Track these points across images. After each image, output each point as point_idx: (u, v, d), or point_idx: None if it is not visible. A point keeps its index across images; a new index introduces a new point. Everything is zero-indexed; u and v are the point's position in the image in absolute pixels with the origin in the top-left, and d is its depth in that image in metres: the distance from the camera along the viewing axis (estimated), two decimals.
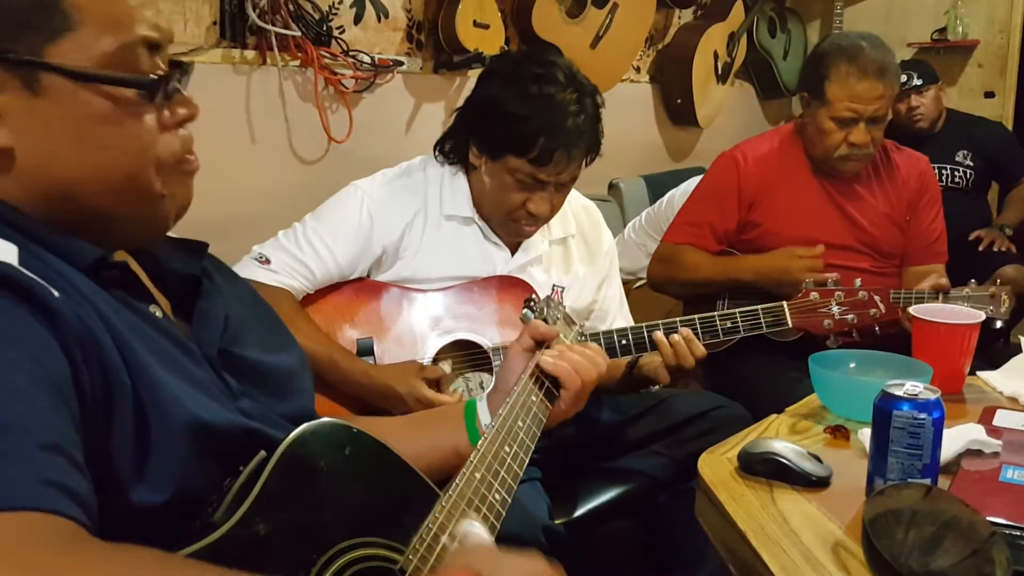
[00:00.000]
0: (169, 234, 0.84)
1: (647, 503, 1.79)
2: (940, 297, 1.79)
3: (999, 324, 1.76)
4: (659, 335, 1.61)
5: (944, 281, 1.87)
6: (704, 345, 1.64)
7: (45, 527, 0.53)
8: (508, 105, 1.54)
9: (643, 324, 1.66)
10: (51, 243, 0.70)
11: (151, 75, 0.73)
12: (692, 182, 2.71)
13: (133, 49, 0.72)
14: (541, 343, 1.09)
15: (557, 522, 1.57)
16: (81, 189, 0.72)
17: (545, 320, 1.13)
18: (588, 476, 1.76)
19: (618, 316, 1.87)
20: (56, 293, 0.64)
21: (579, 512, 1.67)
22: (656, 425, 1.79)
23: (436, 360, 1.63)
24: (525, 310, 1.15)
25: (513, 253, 1.73)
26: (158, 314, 0.77)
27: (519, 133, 1.53)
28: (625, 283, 2.00)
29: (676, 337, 1.59)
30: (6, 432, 0.56)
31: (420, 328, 1.65)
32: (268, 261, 1.59)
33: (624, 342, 1.64)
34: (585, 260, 1.83)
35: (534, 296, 1.18)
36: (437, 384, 1.56)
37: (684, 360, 1.58)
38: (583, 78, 1.60)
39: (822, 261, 1.95)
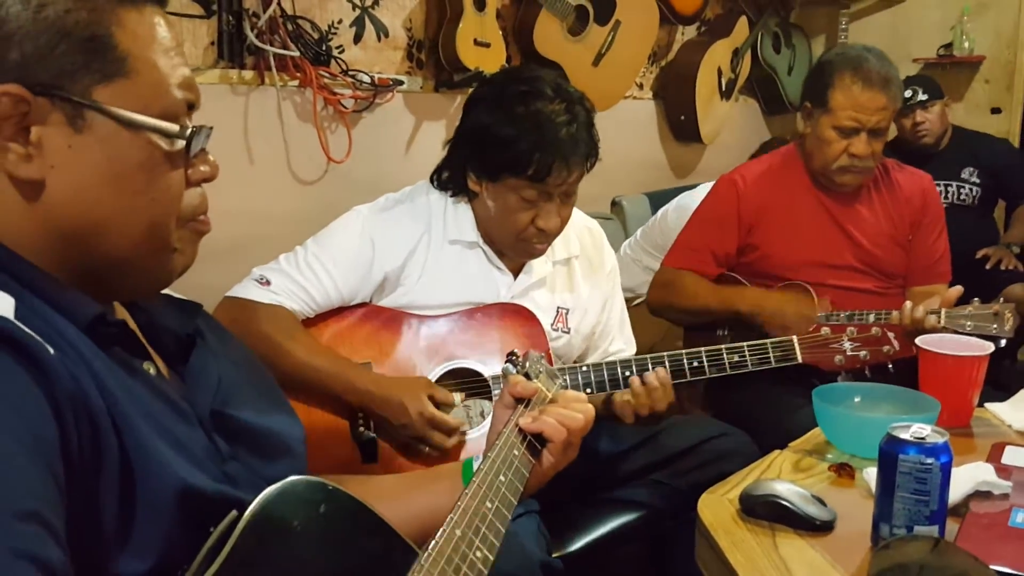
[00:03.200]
0: (166, 291, 0.85)
1: (649, 533, 1.76)
2: (941, 314, 1.73)
3: (1003, 342, 1.72)
4: (635, 380, 1.56)
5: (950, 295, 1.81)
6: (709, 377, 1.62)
7: None
8: (498, 128, 1.53)
9: (619, 361, 1.62)
10: (50, 297, 0.70)
11: (188, 129, 0.76)
12: (687, 195, 2.73)
13: (175, 104, 0.75)
14: (521, 400, 1.06)
15: (556, 555, 1.55)
16: (103, 231, 0.73)
17: (527, 375, 1.10)
18: (589, 506, 1.73)
19: (618, 336, 1.84)
20: (51, 351, 0.64)
21: (580, 544, 1.64)
22: (657, 454, 1.76)
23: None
24: (506, 364, 1.12)
25: (516, 277, 1.70)
26: (152, 372, 0.77)
27: (514, 153, 1.51)
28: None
29: (651, 378, 1.55)
30: None
31: (419, 355, 1.63)
32: (269, 283, 1.57)
33: (599, 379, 1.60)
34: (589, 280, 1.80)
35: (516, 351, 1.15)
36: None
37: (657, 405, 1.55)
38: (569, 87, 1.59)
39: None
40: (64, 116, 0.70)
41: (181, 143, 0.76)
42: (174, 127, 0.75)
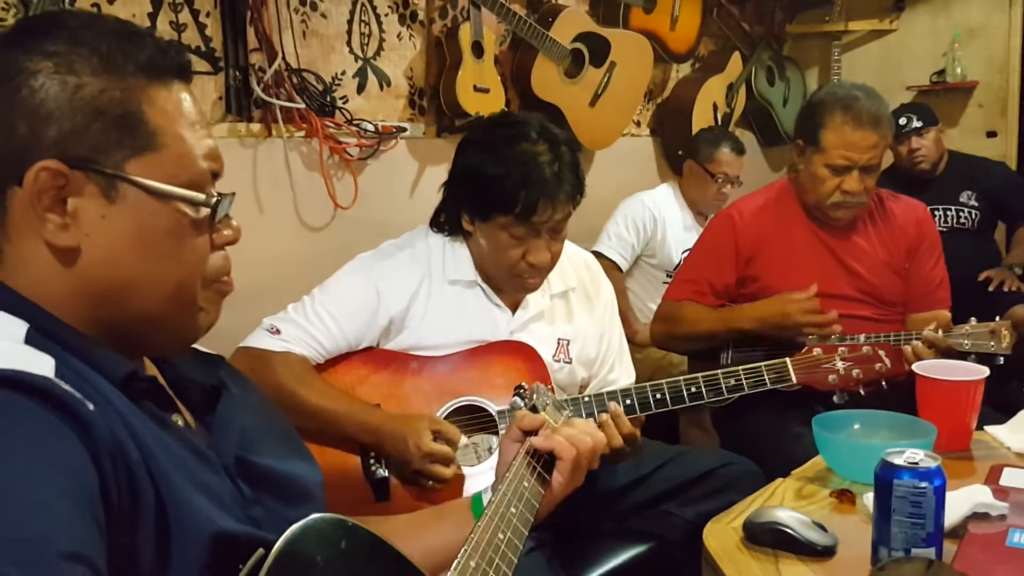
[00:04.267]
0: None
1: (660, 564, 1.78)
2: (939, 333, 1.78)
3: (1001, 360, 1.75)
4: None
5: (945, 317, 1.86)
6: (708, 403, 1.65)
7: None
8: (486, 169, 1.59)
9: (619, 390, 1.65)
10: (86, 356, 0.74)
11: (213, 197, 0.81)
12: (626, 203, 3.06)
13: (201, 174, 0.80)
14: (529, 433, 1.09)
15: None
16: (133, 292, 0.78)
17: (535, 408, 1.13)
18: (599, 539, 1.75)
19: (617, 364, 1.88)
20: (90, 406, 0.68)
21: None
22: (665, 484, 1.78)
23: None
24: (514, 398, 1.16)
25: (514, 312, 1.75)
26: (180, 423, 0.81)
27: (501, 192, 1.58)
28: None
29: (604, 417, 1.54)
30: (29, 544, 0.58)
31: (425, 394, 1.67)
32: (279, 332, 1.62)
33: (602, 409, 1.61)
34: (586, 311, 1.85)
35: (524, 384, 1.19)
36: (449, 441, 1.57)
37: (613, 440, 1.53)
38: (555, 129, 1.65)
39: (818, 301, 1.96)
40: (98, 188, 0.75)
41: (206, 211, 0.80)
42: (200, 196, 0.79)
